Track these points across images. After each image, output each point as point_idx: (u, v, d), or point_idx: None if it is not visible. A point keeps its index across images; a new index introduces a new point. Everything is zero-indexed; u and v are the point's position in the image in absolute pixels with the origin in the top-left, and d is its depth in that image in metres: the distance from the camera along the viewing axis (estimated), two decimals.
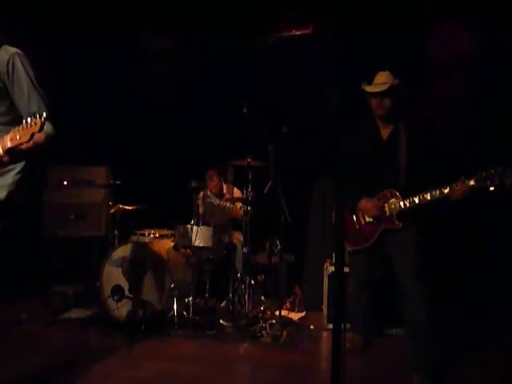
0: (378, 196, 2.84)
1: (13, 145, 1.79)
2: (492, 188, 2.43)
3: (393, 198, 2.77)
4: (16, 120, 2.00)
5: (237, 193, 4.79)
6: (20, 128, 1.76)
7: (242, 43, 5.00)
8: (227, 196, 4.79)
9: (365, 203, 2.86)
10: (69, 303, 4.14)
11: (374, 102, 2.82)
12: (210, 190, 4.80)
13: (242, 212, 4.13)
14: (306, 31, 4.98)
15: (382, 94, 2.77)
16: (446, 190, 2.55)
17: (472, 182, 2.50)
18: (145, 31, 5.36)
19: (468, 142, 4.37)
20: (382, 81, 2.81)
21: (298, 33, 5.02)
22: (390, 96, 2.77)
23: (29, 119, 1.75)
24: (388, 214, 2.77)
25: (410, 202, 2.68)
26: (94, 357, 2.97)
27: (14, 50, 2.02)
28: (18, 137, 1.76)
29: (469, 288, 4.20)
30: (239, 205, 4.17)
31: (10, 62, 1.97)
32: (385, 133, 2.87)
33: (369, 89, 2.81)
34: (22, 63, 2.01)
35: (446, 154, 3.78)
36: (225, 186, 4.88)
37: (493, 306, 4.08)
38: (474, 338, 3.57)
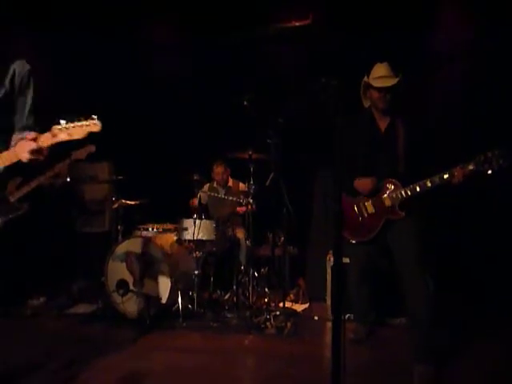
0: (379, 186, 2.83)
1: (64, 139, 1.84)
2: (490, 171, 2.46)
3: (393, 187, 2.76)
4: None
5: (242, 187, 4.79)
6: (69, 125, 1.81)
7: (242, 35, 4.99)
8: (233, 190, 4.79)
9: (360, 182, 2.85)
10: (74, 298, 4.18)
11: (376, 95, 2.79)
12: (216, 180, 4.81)
13: (245, 208, 4.13)
14: (305, 21, 4.98)
15: (387, 89, 2.75)
16: (446, 176, 2.57)
17: (471, 167, 2.52)
18: (144, 26, 5.35)
19: (465, 128, 4.36)
20: (385, 74, 2.78)
21: (297, 23, 5.02)
22: (393, 90, 2.76)
23: (89, 120, 1.82)
24: (390, 204, 2.77)
25: (411, 190, 2.68)
26: (100, 350, 3.01)
27: (28, 66, 2.11)
28: (68, 134, 1.81)
29: (468, 275, 4.19)
30: (244, 201, 4.13)
31: (27, 75, 2.07)
32: (382, 124, 2.86)
33: (377, 83, 2.76)
34: (33, 81, 2.11)
35: (443, 142, 3.79)
36: (231, 181, 4.89)
37: (491, 294, 4.08)
38: (472, 326, 3.59)
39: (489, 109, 4.32)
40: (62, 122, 1.84)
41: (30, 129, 2.04)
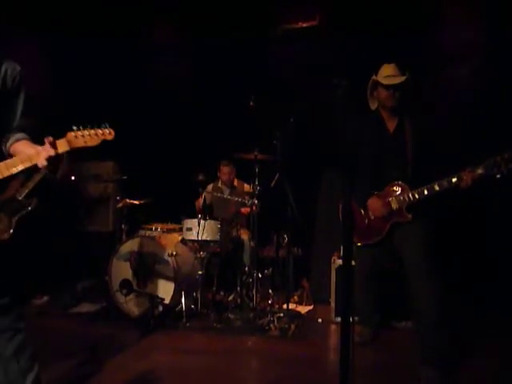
0: (386, 188, 2.81)
1: (79, 147, 1.83)
2: (498, 176, 2.44)
3: (401, 190, 2.75)
4: None
5: (247, 188, 4.78)
6: (85, 133, 1.81)
7: (249, 36, 4.98)
8: (238, 190, 4.78)
9: (373, 203, 2.84)
10: (78, 298, 4.18)
11: (384, 94, 2.79)
12: (222, 181, 4.80)
13: (249, 208, 4.13)
14: (312, 23, 4.97)
15: (395, 87, 2.74)
16: (454, 180, 2.55)
17: (480, 171, 2.50)
18: (149, 27, 5.36)
19: (472, 130, 4.33)
20: (394, 73, 2.78)
21: (304, 25, 5.01)
22: (401, 89, 2.75)
23: (102, 129, 1.83)
24: (397, 207, 2.75)
25: (419, 193, 2.66)
26: (104, 350, 3.00)
27: (19, 67, 2.03)
28: (84, 141, 1.81)
29: (467, 275, 4.16)
30: (249, 201, 4.11)
31: (20, 74, 1.99)
32: (391, 125, 2.85)
33: (385, 81, 2.75)
34: (23, 82, 2.03)
35: (450, 144, 3.76)
36: (236, 181, 4.87)
37: (492, 294, 4.06)
38: (473, 326, 3.59)
39: (495, 110, 4.29)
40: (74, 128, 1.83)
41: (23, 130, 2.01)
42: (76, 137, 1.80)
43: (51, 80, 4.81)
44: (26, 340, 1.89)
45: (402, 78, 2.74)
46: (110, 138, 1.84)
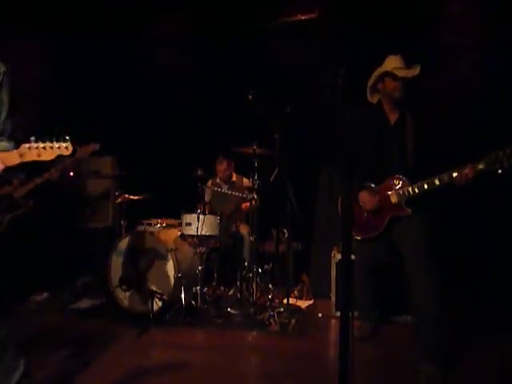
0: (385, 182, 2.80)
1: (31, 160, 1.78)
2: (500, 171, 2.41)
3: (401, 184, 2.73)
4: None
5: (246, 182, 4.76)
6: (39, 145, 1.76)
7: (247, 30, 4.94)
8: (237, 185, 4.76)
9: (363, 196, 2.85)
10: (78, 293, 4.18)
11: (394, 85, 2.75)
12: (219, 177, 4.77)
13: (249, 204, 4.11)
14: (311, 15, 4.92)
15: (405, 79, 2.71)
16: (455, 174, 2.52)
17: (481, 166, 2.46)
18: (149, 26, 5.33)
19: (472, 130, 4.31)
20: (402, 65, 2.75)
21: (303, 17, 4.97)
22: (410, 81, 2.72)
23: (60, 143, 1.76)
24: (396, 201, 2.73)
25: (418, 188, 2.64)
26: (103, 346, 3.00)
27: (4, 67, 1.98)
28: (37, 154, 1.76)
29: (465, 270, 4.15)
30: (248, 196, 4.09)
31: (3, 75, 1.95)
32: (392, 118, 2.83)
33: (401, 73, 2.72)
34: (9, 82, 1.98)
35: (450, 144, 3.74)
36: (234, 176, 4.85)
37: (489, 289, 4.06)
38: (473, 322, 3.58)
39: (495, 110, 4.26)
40: (32, 139, 1.77)
41: (8, 134, 1.96)
42: (30, 149, 1.76)
43: (51, 80, 4.78)
44: (8, 338, 1.87)
45: (416, 71, 2.71)
46: (66, 153, 1.78)
